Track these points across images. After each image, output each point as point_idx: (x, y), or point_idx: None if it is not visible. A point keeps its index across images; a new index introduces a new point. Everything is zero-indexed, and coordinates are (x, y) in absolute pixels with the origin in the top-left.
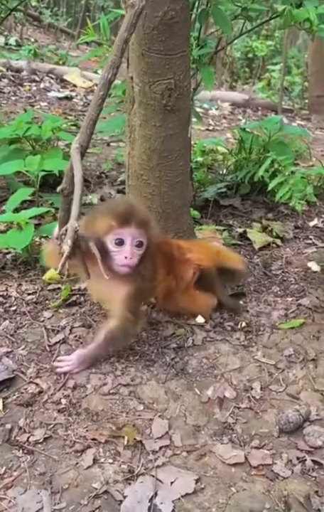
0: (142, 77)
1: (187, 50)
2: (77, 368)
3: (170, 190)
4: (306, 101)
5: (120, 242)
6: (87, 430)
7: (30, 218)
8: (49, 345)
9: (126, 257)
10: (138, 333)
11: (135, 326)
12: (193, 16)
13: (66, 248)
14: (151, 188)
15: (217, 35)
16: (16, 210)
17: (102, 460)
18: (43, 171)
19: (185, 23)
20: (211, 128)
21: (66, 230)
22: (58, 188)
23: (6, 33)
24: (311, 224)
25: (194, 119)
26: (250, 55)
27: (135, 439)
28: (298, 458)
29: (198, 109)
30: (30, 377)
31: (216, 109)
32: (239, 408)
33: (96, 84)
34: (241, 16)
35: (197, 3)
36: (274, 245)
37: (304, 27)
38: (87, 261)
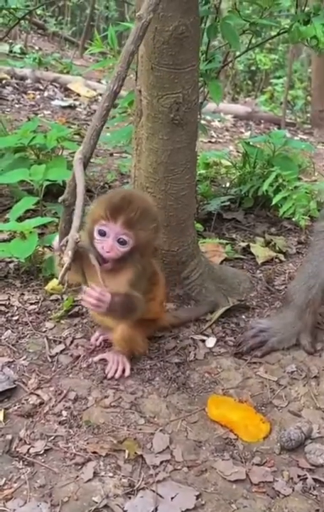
0: (151, 91)
1: (197, 65)
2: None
3: (176, 203)
4: (308, 115)
5: (103, 234)
6: (87, 443)
7: (34, 228)
8: (50, 356)
9: (103, 248)
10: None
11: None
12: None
13: (66, 260)
14: (157, 201)
15: (225, 49)
16: (20, 219)
17: (103, 473)
18: (47, 180)
19: (194, 38)
20: (213, 140)
21: (67, 241)
22: (60, 199)
23: (10, 41)
24: None
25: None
26: (253, 68)
27: (136, 453)
28: (299, 476)
29: (201, 121)
30: (32, 388)
31: (219, 121)
32: None
33: (100, 94)
34: (249, 31)
35: (205, 18)
36: (277, 260)
37: (311, 44)
38: (85, 270)
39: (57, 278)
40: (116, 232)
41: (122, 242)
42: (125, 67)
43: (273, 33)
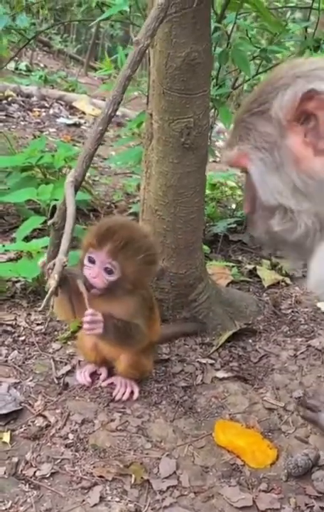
0: (162, 115)
1: (208, 90)
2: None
3: (184, 226)
4: None
5: (92, 261)
6: (94, 467)
7: (42, 248)
8: (57, 378)
9: (90, 275)
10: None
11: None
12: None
13: (52, 283)
14: (166, 224)
15: (235, 74)
16: (26, 239)
17: (109, 498)
18: (55, 199)
19: (206, 64)
20: (218, 160)
21: (53, 265)
22: (49, 222)
23: (16, 58)
24: None
25: None
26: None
27: (142, 477)
28: (306, 504)
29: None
30: (38, 410)
31: (222, 140)
32: None
33: None
34: (259, 57)
35: (215, 44)
36: (283, 284)
37: None
38: (75, 304)
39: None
40: (102, 260)
41: (109, 272)
42: (121, 91)
43: (280, 56)
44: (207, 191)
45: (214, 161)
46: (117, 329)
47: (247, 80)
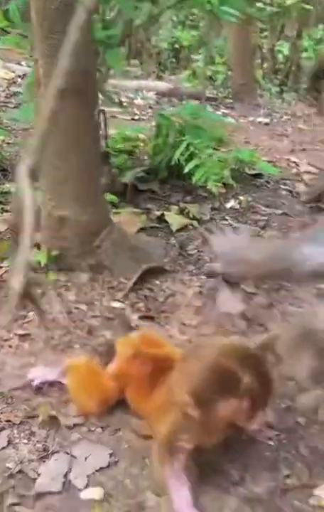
0: (46, 59)
1: (91, 32)
2: None
3: (83, 174)
4: (230, 89)
5: None
6: (1, 413)
7: None
8: None
9: None
10: None
11: None
12: None
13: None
14: (64, 174)
15: (127, 20)
16: None
17: (17, 441)
18: None
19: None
20: (136, 117)
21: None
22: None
23: None
24: (228, 205)
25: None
26: (177, 46)
27: (50, 415)
28: None
29: (123, 99)
30: None
31: (141, 98)
32: None
33: (19, 76)
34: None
35: None
36: (191, 227)
37: (206, 9)
38: None
39: None
40: None
41: None
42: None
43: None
44: (119, 145)
45: (132, 119)
46: None
47: (145, 26)
